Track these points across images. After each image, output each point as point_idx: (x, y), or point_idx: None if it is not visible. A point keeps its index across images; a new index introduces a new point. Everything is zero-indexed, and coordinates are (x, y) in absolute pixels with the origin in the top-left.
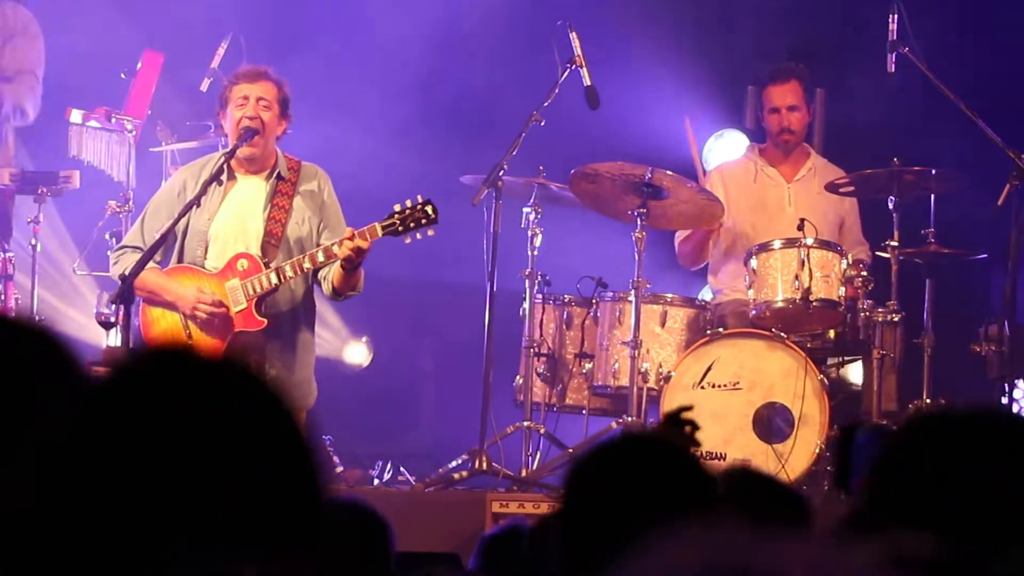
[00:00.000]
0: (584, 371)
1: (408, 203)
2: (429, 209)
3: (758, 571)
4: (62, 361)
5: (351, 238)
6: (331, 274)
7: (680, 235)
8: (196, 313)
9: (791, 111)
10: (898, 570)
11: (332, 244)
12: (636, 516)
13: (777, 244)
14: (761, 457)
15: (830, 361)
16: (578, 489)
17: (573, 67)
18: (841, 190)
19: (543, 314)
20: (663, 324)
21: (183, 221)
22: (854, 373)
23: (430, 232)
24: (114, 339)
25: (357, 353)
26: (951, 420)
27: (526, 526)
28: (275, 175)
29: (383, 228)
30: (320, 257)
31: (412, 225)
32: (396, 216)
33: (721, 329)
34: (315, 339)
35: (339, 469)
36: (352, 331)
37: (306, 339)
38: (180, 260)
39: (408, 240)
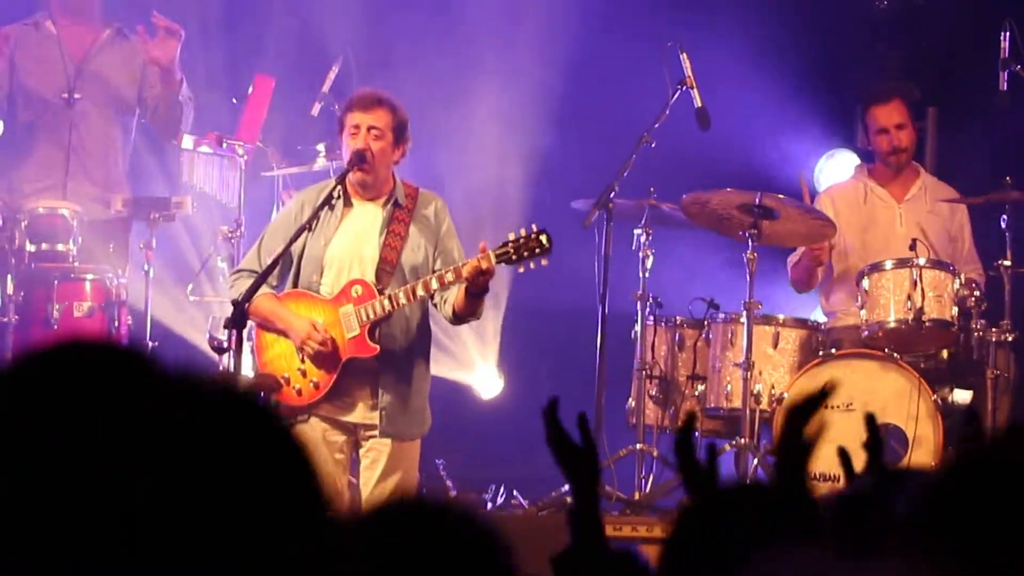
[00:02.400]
0: (696, 393)
1: (523, 232)
2: (543, 239)
3: None
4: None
5: (478, 259)
6: (452, 298)
7: (792, 259)
8: (304, 347)
9: (899, 129)
10: None
11: (446, 271)
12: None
13: (889, 264)
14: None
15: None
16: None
17: (684, 88)
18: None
19: (655, 336)
20: (775, 345)
21: (299, 245)
22: (968, 394)
23: (543, 262)
24: (227, 364)
25: (488, 381)
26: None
27: (636, 551)
28: (392, 202)
29: (496, 256)
30: (434, 284)
31: (526, 254)
32: (510, 244)
33: (834, 350)
34: (429, 367)
35: (452, 493)
36: (480, 358)
37: (420, 367)
38: (296, 284)
39: (521, 269)
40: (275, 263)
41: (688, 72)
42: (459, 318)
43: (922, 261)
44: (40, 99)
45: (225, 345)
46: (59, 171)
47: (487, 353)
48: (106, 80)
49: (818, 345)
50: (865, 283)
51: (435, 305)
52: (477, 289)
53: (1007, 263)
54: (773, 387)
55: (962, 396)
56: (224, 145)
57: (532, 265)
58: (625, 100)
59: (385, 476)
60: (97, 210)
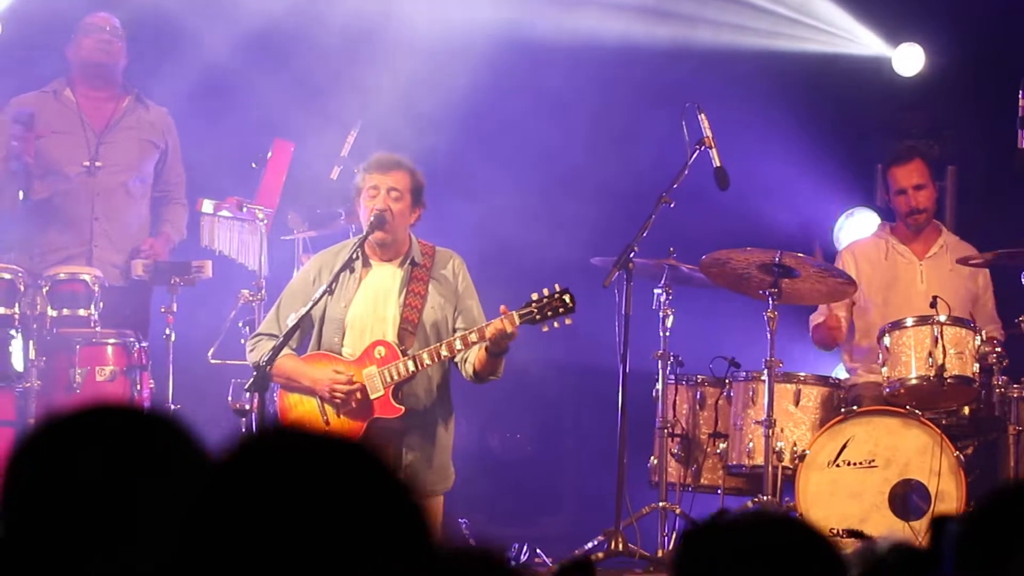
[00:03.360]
0: (718, 451)
1: (546, 292)
2: (567, 298)
3: None
4: (186, 447)
5: (502, 321)
6: (472, 357)
7: (814, 319)
8: (334, 395)
9: (918, 190)
10: None
11: (470, 332)
12: None
13: (910, 322)
14: (899, 535)
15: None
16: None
17: (702, 148)
18: (973, 263)
19: (676, 395)
20: (797, 403)
21: (319, 308)
22: (990, 451)
23: (567, 321)
24: (249, 427)
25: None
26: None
27: None
28: (409, 261)
29: (520, 316)
30: (458, 345)
31: (550, 314)
32: (534, 304)
33: (856, 407)
34: (452, 423)
35: None
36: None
37: (443, 424)
38: (318, 348)
39: (545, 328)
40: (297, 326)
41: (707, 132)
42: (479, 377)
43: (943, 318)
44: (61, 169)
45: (247, 408)
46: (84, 239)
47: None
48: (128, 149)
49: (839, 402)
50: (886, 340)
51: (455, 364)
52: (499, 350)
53: None
54: (795, 444)
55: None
56: (244, 209)
57: (556, 324)
58: (644, 160)
59: None
60: (121, 277)
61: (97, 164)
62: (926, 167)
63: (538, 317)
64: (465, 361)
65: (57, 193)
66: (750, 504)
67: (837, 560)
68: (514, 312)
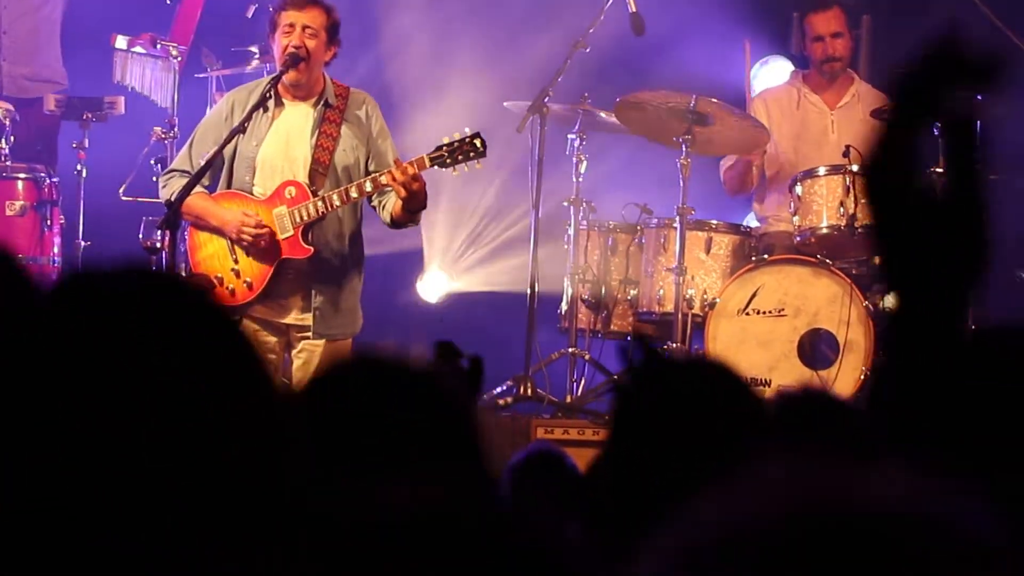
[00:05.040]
0: (629, 297)
1: (456, 136)
2: (477, 142)
3: (861, 506)
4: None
5: (400, 170)
6: (390, 204)
7: (725, 163)
8: (241, 236)
9: (835, 38)
10: None
11: (380, 174)
12: (690, 441)
13: (822, 171)
14: (809, 383)
15: (875, 288)
16: (627, 417)
17: None
18: (885, 116)
19: (588, 240)
20: (708, 251)
21: (231, 146)
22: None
23: (478, 165)
24: (160, 264)
25: (433, 284)
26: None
27: (556, 452)
28: (323, 102)
29: (431, 160)
30: (368, 187)
31: (460, 158)
32: (444, 149)
33: (766, 256)
34: (362, 269)
35: None
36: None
37: (353, 269)
38: (229, 186)
39: (455, 172)
40: (209, 163)
41: None
42: (396, 224)
43: (855, 168)
44: None
45: (158, 246)
46: None
47: (433, 256)
48: None
49: (751, 251)
50: (798, 189)
51: (373, 208)
52: (414, 203)
53: (939, 170)
54: (705, 292)
55: (892, 301)
56: (158, 46)
57: (467, 168)
58: (561, 4)
59: None
60: (30, 90)
61: None
62: (844, 16)
63: (449, 161)
64: (383, 208)
65: None
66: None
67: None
68: (424, 156)
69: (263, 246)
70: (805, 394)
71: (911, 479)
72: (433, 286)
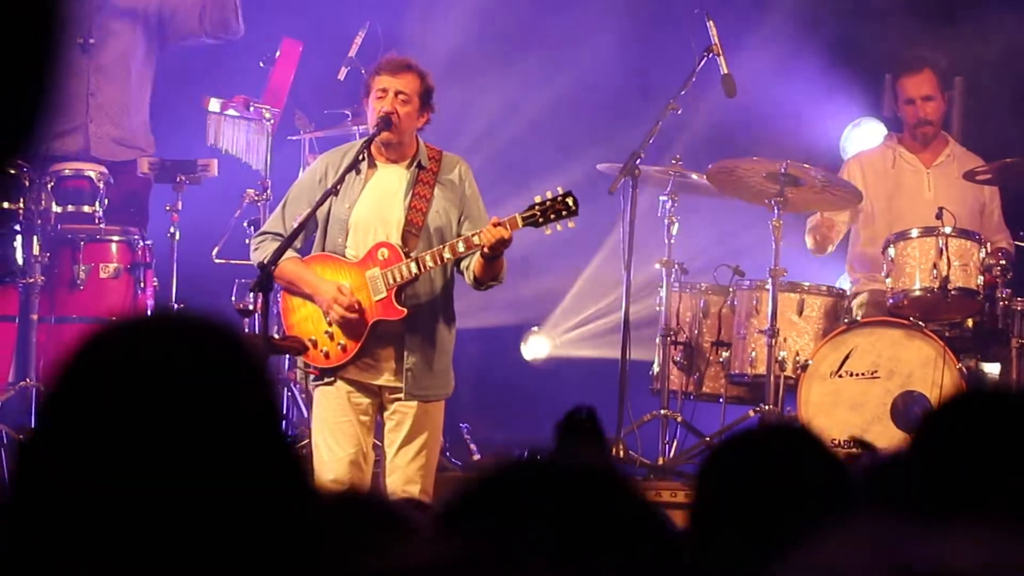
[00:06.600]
0: (721, 359)
1: (548, 195)
2: (570, 201)
3: (923, 569)
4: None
5: (495, 226)
6: (472, 264)
7: (810, 221)
8: (330, 313)
9: (926, 101)
10: None
11: (473, 235)
12: (774, 506)
13: (915, 233)
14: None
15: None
16: (714, 478)
17: (710, 55)
18: (979, 178)
19: (680, 302)
20: (800, 312)
21: (324, 208)
22: (992, 364)
23: (570, 224)
24: (253, 327)
25: (537, 345)
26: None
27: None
28: (416, 164)
29: (523, 220)
30: (460, 247)
31: (552, 217)
32: (536, 208)
33: (859, 318)
34: (454, 329)
35: (475, 456)
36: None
37: (445, 329)
38: (322, 248)
39: (548, 232)
40: (302, 226)
41: (714, 39)
42: (480, 283)
43: (948, 230)
44: None
45: (251, 308)
46: (79, 117)
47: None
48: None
49: (843, 312)
50: (891, 251)
51: (460, 272)
52: (494, 255)
53: None
54: (798, 354)
55: (990, 368)
56: (251, 109)
57: (559, 227)
58: (652, 67)
59: (410, 438)
60: (119, 153)
61: (91, 41)
62: (936, 78)
63: (541, 220)
64: (467, 268)
65: None
66: (751, 413)
67: (842, 470)
68: (517, 215)
69: (354, 319)
70: (893, 460)
71: (979, 547)
72: (535, 350)
